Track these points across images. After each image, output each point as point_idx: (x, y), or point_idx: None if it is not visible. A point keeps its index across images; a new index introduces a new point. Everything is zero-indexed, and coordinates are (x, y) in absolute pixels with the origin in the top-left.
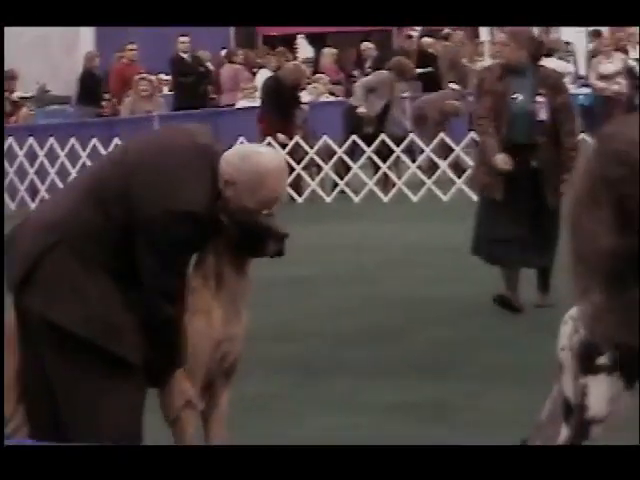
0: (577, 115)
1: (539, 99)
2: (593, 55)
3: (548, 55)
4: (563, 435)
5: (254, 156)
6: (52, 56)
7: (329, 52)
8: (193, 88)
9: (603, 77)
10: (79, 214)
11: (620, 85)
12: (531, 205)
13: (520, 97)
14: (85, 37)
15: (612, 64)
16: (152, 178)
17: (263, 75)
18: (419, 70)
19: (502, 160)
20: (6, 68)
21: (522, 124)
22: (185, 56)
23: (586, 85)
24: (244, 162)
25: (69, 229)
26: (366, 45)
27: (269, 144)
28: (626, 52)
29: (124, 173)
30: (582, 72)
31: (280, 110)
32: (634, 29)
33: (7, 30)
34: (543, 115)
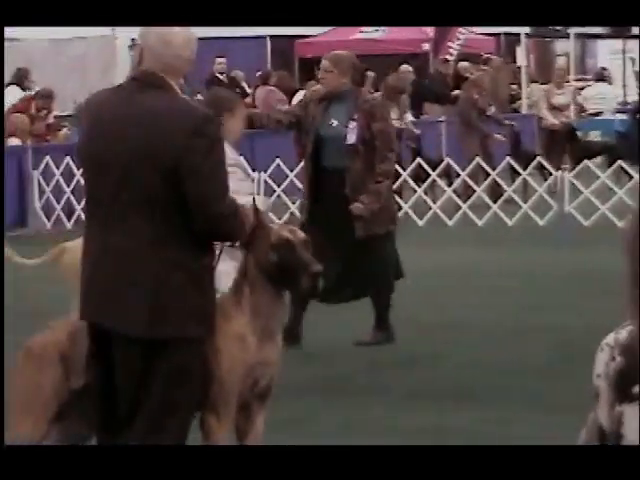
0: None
1: (351, 124)
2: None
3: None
4: None
5: None
6: (89, 75)
7: (370, 75)
8: None
9: (554, 108)
10: None
11: (568, 117)
12: (342, 235)
13: (335, 123)
14: (122, 57)
15: (563, 96)
16: None
17: (299, 98)
18: (455, 92)
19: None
20: (43, 87)
21: (334, 149)
22: (221, 77)
23: (622, 111)
24: None
25: None
26: (405, 68)
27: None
28: None
29: None
30: (619, 98)
31: None
32: None
33: (45, 49)
34: (352, 139)
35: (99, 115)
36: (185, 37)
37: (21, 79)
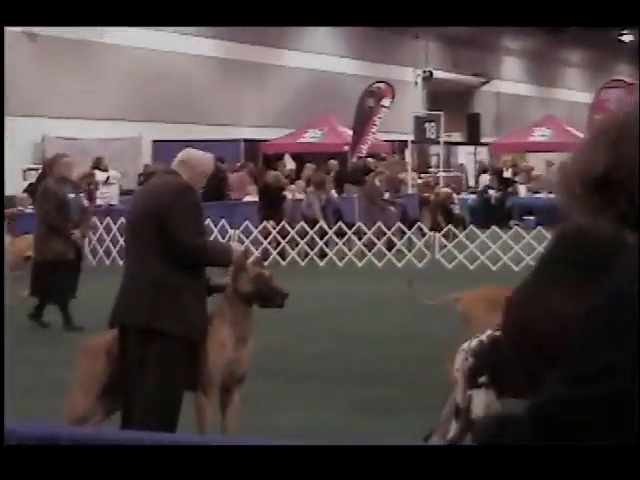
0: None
1: None
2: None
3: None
4: (453, 429)
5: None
6: (123, 164)
7: (310, 166)
8: (215, 188)
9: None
10: None
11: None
12: None
13: None
14: (146, 153)
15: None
16: None
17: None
18: (364, 178)
19: None
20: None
21: None
22: None
23: (473, 192)
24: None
25: None
26: (331, 162)
27: (265, 226)
28: None
29: None
30: (471, 183)
31: (270, 204)
32: None
33: (95, 145)
34: None
35: (137, 191)
36: (200, 157)
37: (98, 166)
